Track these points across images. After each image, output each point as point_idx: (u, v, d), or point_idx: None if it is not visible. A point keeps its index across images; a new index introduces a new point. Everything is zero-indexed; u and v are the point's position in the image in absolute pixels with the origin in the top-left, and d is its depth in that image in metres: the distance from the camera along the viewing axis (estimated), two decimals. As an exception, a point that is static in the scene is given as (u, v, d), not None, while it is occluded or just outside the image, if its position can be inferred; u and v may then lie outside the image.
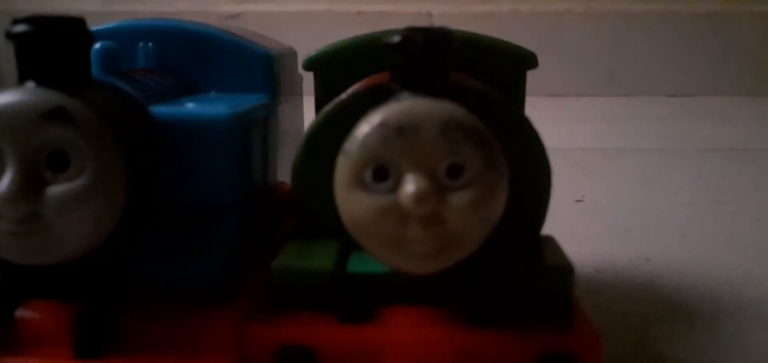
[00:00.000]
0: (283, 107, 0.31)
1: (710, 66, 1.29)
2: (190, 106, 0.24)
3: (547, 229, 0.25)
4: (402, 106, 0.19)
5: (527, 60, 0.26)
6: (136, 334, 0.21)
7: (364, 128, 0.19)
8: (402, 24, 0.21)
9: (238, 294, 0.23)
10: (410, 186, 0.19)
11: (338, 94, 0.24)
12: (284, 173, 0.30)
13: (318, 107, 0.26)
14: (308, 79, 0.29)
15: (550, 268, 0.22)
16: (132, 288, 0.22)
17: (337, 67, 0.26)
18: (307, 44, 0.27)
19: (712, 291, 0.37)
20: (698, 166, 0.69)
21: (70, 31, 0.21)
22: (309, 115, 0.26)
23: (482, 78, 0.25)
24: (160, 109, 0.24)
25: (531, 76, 0.28)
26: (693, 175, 0.66)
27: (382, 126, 0.19)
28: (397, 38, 0.20)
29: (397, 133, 0.19)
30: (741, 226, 0.49)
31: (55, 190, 0.19)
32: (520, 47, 0.27)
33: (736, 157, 0.74)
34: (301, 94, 0.36)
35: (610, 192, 0.59)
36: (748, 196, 0.58)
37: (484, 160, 0.19)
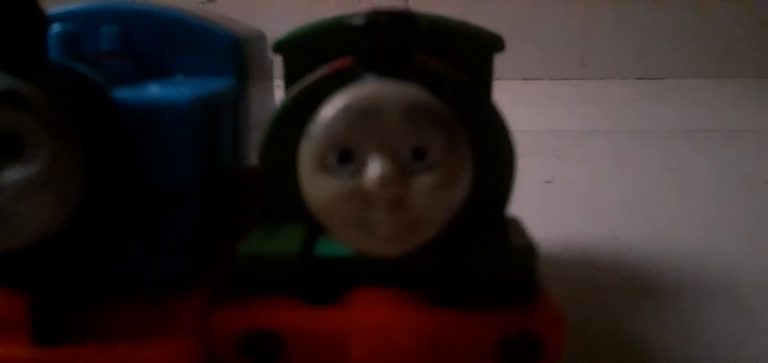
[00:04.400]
0: (252, 91, 0.30)
1: (679, 49, 1.30)
2: (152, 90, 0.24)
3: (518, 209, 0.25)
4: (365, 89, 0.19)
5: (494, 43, 0.26)
6: (96, 323, 0.20)
7: (328, 111, 0.19)
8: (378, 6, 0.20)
9: (201, 281, 0.22)
10: (374, 169, 0.18)
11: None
12: (256, 157, 0.29)
13: (287, 90, 0.25)
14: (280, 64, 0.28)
15: (513, 249, 0.21)
16: (92, 276, 0.21)
17: (305, 49, 0.25)
18: (285, 28, 0.27)
19: (677, 268, 0.37)
20: (665, 148, 0.70)
21: (23, 10, 0.20)
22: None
23: (448, 61, 0.24)
24: (120, 94, 0.23)
25: (504, 60, 0.27)
26: (660, 156, 0.66)
27: (346, 109, 0.19)
28: (360, 20, 0.20)
29: (360, 116, 0.18)
30: (706, 206, 0.49)
31: (9, 176, 0.18)
32: (487, 30, 0.26)
33: (702, 138, 0.75)
34: (271, 79, 0.35)
35: (580, 173, 0.60)
36: (712, 176, 0.58)
37: (447, 144, 0.19)
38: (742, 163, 0.63)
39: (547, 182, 0.56)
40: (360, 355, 0.20)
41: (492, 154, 0.23)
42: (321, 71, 0.23)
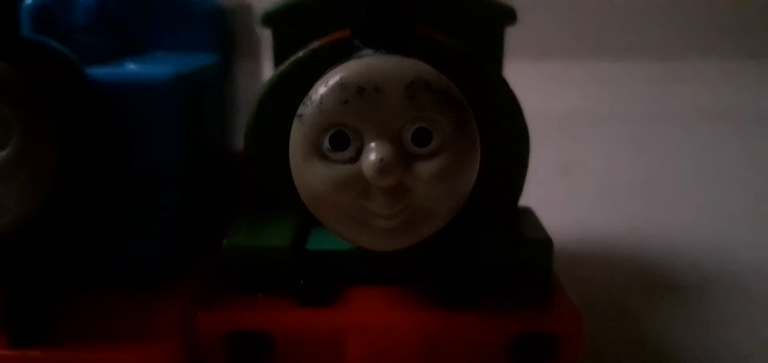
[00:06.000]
0: (238, 69, 0.30)
1: (701, 28, 1.29)
2: (131, 66, 0.23)
3: (529, 198, 0.24)
4: (363, 64, 0.18)
5: (505, 15, 0.25)
6: (76, 320, 0.20)
7: (321, 89, 0.18)
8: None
9: (186, 275, 0.22)
10: (372, 154, 0.17)
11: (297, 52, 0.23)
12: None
13: (276, 68, 0.24)
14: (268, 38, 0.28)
15: (527, 242, 0.21)
16: (71, 269, 0.21)
17: (296, 22, 0.25)
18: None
19: (698, 261, 0.37)
20: (686, 132, 0.70)
21: None
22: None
23: (455, 34, 0.23)
24: (97, 71, 0.22)
25: (515, 36, 0.27)
26: (682, 142, 0.66)
27: (341, 86, 0.18)
28: (357, -13, 0.19)
29: (357, 94, 0.18)
30: (731, 195, 0.49)
31: (-24, 162, 0.18)
32: (498, 1, 0.25)
33: (726, 122, 0.74)
34: (260, 54, 0.34)
35: (596, 158, 0.59)
36: (738, 163, 0.58)
37: (454, 125, 0.18)
38: (769, 148, 0.63)
39: (561, 169, 0.55)
40: (357, 359, 0.19)
41: (503, 138, 0.22)
42: (313, 45, 0.22)
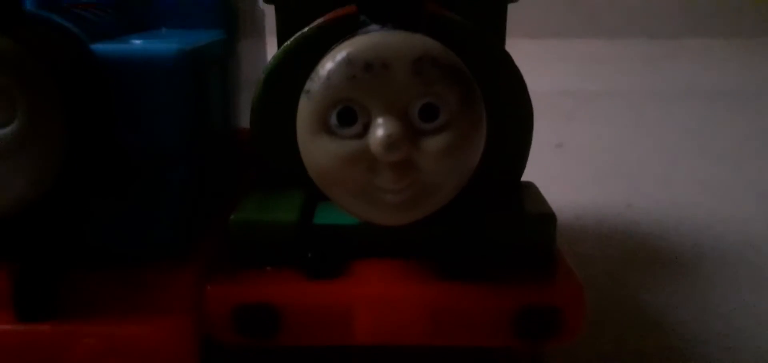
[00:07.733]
0: (243, 45, 0.29)
1: (693, 7, 1.29)
2: (136, 42, 0.23)
3: (525, 175, 0.24)
4: (370, 40, 0.18)
5: (508, -8, 0.25)
6: (85, 296, 0.20)
7: (328, 65, 0.18)
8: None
9: (194, 251, 0.22)
10: (380, 130, 0.17)
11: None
12: (247, 118, 0.29)
13: (281, 45, 0.24)
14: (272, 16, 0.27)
15: (531, 216, 0.21)
16: (79, 246, 0.21)
17: None
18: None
19: (694, 236, 0.37)
20: (681, 110, 0.70)
21: None
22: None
23: (458, 10, 0.23)
24: (102, 47, 0.22)
25: (512, 15, 0.26)
26: (675, 119, 0.66)
27: (348, 62, 0.17)
28: (363, -37, 0.19)
29: (364, 69, 0.17)
30: (724, 170, 0.49)
31: (-19, 138, 0.17)
32: (501, -22, 0.25)
33: (718, 99, 0.74)
34: (263, 32, 0.34)
35: (591, 136, 0.59)
36: (731, 139, 0.58)
37: (461, 101, 0.18)
38: (761, 126, 0.63)
39: (557, 146, 0.55)
40: (364, 331, 0.20)
41: (507, 113, 0.22)
42: (318, 21, 0.22)
